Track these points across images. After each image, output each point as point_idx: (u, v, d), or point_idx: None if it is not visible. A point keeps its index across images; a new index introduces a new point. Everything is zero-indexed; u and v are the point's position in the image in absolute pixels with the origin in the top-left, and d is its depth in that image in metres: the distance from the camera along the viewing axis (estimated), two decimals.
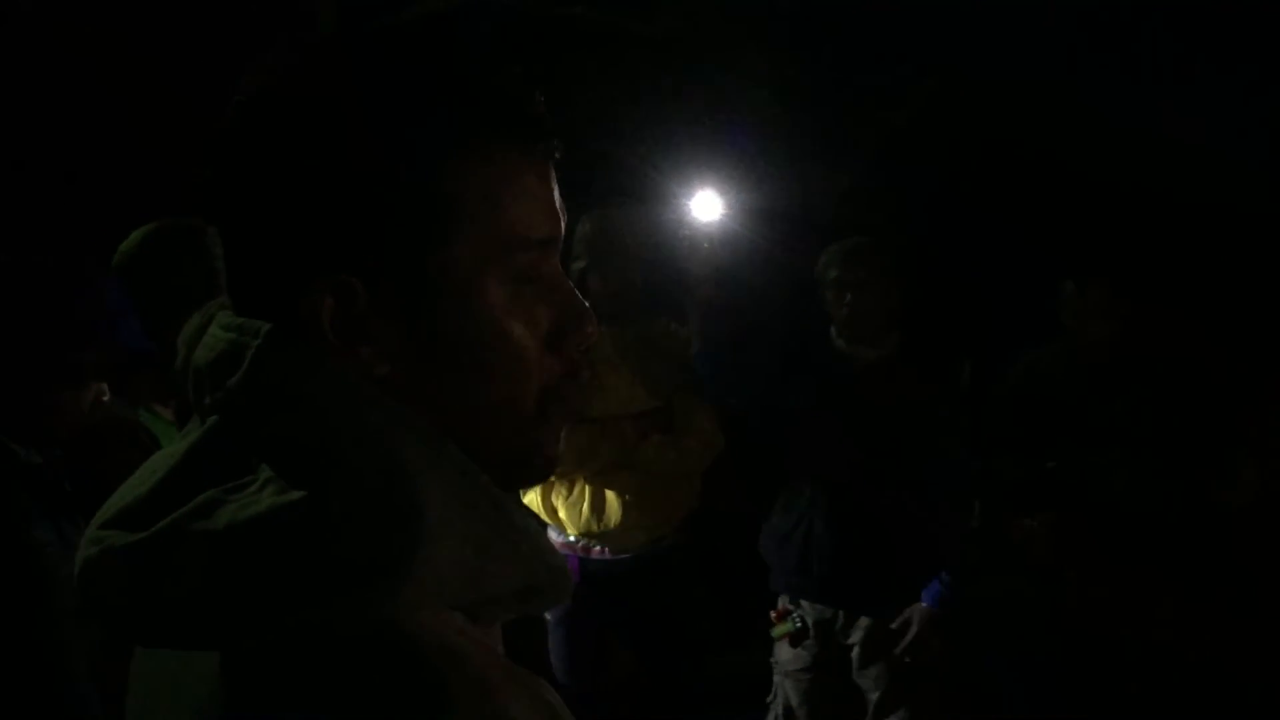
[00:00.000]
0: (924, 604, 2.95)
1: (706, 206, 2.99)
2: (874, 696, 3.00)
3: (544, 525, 3.19)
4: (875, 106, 4.20)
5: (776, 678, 3.14)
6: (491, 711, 0.63)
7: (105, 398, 1.91)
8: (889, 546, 2.92)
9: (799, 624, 3.04)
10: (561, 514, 3.14)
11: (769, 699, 3.16)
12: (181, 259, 2.23)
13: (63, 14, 3.62)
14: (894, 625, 2.95)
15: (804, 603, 3.06)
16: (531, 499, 3.16)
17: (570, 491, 3.13)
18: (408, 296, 0.71)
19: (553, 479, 3.13)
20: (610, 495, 3.10)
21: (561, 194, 0.78)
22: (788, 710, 3.10)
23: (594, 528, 3.10)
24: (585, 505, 3.10)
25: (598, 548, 3.15)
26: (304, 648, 0.63)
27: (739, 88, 4.45)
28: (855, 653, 3.00)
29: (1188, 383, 3.08)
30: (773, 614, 3.11)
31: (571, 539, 3.16)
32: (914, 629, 2.94)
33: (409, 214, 0.71)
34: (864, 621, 3.00)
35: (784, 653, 3.10)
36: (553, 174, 0.78)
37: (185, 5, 3.68)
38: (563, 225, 0.78)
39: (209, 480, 0.68)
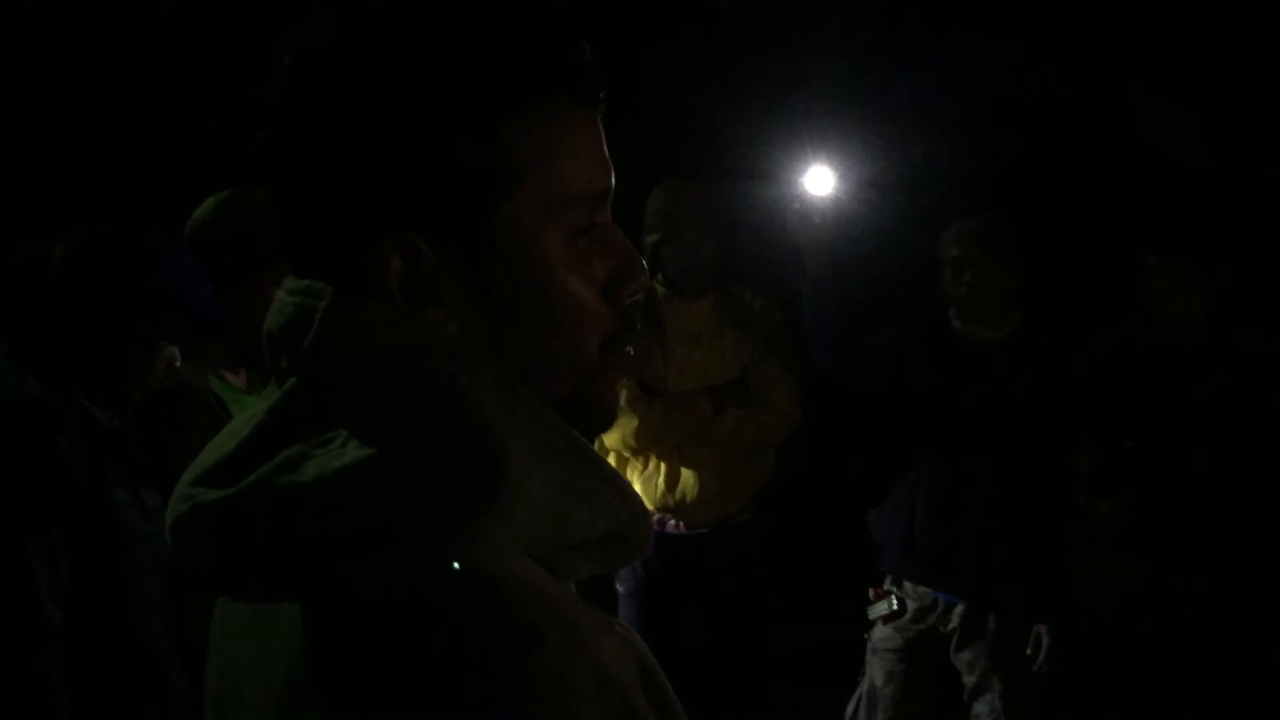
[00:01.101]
0: (1046, 627, 2.89)
1: (820, 181, 2.93)
2: (970, 680, 2.96)
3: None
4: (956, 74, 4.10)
5: (867, 655, 3.10)
6: (583, 652, 0.64)
7: (177, 363, 1.94)
8: (993, 532, 2.87)
9: (895, 606, 3.00)
10: (637, 488, 3.12)
11: (860, 676, 3.13)
12: (255, 227, 2.24)
13: None
14: (1029, 650, 2.89)
15: (906, 584, 3.02)
16: None
17: (646, 466, 3.11)
18: (472, 254, 0.72)
19: (627, 454, 3.11)
20: (686, 470, 3.08)
21: (609, 147, 0.78)
22: (872, 689, 3.06)
23: (669, 502, 3.09)
24: (660, 479, 3.09)
25: (672, 522, 3.13)
26: (391, 593, 0.64)
27: (816, 60, 4.38)
28: (955, 636, 2.95)
29: (1273, 363, 2.98)
30: (871, 592, 3.07)
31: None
32: (1045, 646, 2.88)
33: (470, 173, 0.71)
34: (961, 606, 2.94)
35: (878, 631, 3.06)
36: (600, 123, 0.77)
37: None
38: (612, 177, 0.78)
39: (291, 439, 0.70)
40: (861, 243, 3.07)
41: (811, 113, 3.91)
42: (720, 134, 4.06)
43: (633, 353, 0.81)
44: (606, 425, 0.80)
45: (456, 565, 0.64)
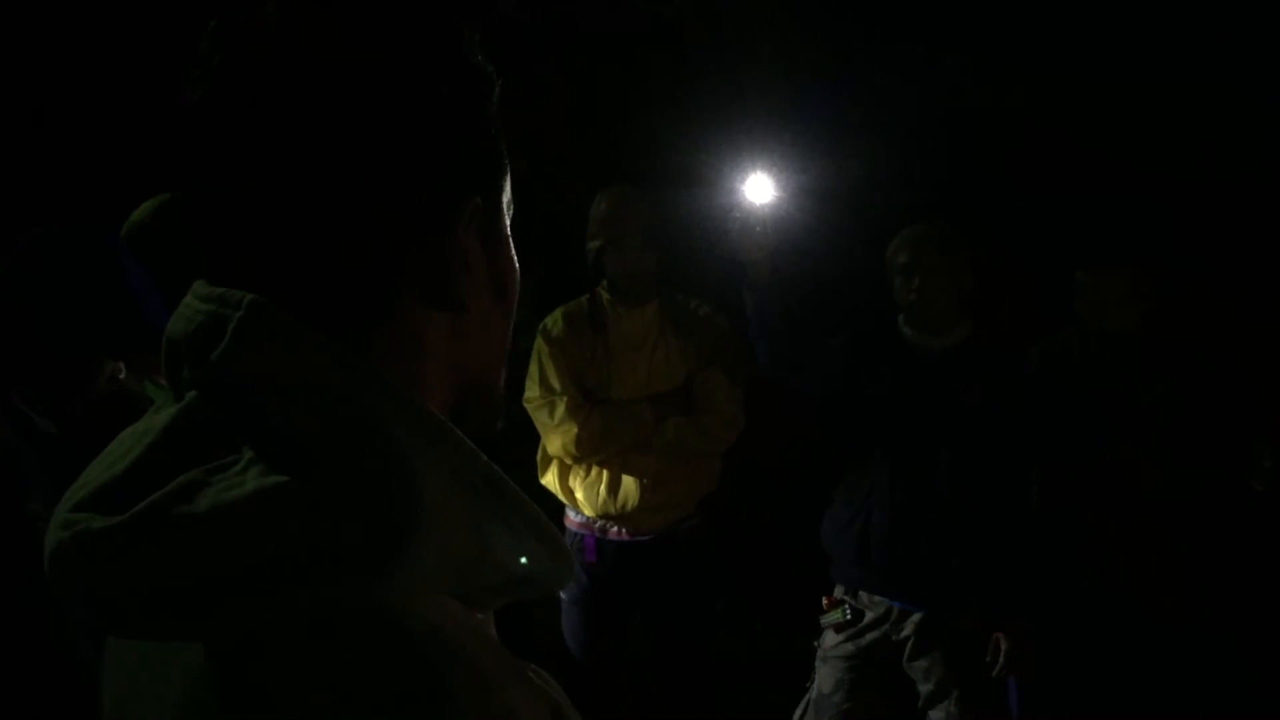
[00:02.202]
0: (1004, 635, 2.88)
1: (759, 189, 2.93)
2: (925, 688, 2.95)
3: (562, 505, 3.17)
4: (901, 84, 4.15)
5: (816, 662, 3.11)
6: (493, 707, 0.61)
7: (121, 374, 1.89)
8: (950, 541, 2.87)
9: (848, 615, 3.00)
10: (579, 495, 3.11)
11: (808, 683, 3.13)
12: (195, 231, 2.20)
13: None
14: (987, 658, 2.89)
15: (862, 594, 3.02)
16: (550, 479, 3.15)
17: (588, 473, 3.10)
18: (492, 230, 0.77)
19: (570, 462, 3.10)
20: (628, 477, 3.07)
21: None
22: (819, 696, 3.06)
23: (612, 510, 3.07)
24: (603, 487, 3.08)
25: (615, 529, 3.12)
26: (293, 636, 0.60)
27: (755, 68, 4.41)
28: (908, 645, 2.95)
29: (1212, 371, 3.03)
30: (824, 600, 3.06)
31: (589, 520, 3.14)
32: (1004, 652, 2.88)
33: (496, 153, 0.77)
34: (917, 615, 2.94)
35: (828, 639, 3.06)
36: None
37: None
38: None
39: (187, 460, 0.65)
40: (804, 251, 3.09)
41: (752, 122, 3.94)
42: (662, 142, 4.07)
43: None
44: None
45: (358, 608, 0.61)
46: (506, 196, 0.79)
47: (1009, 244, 3.57)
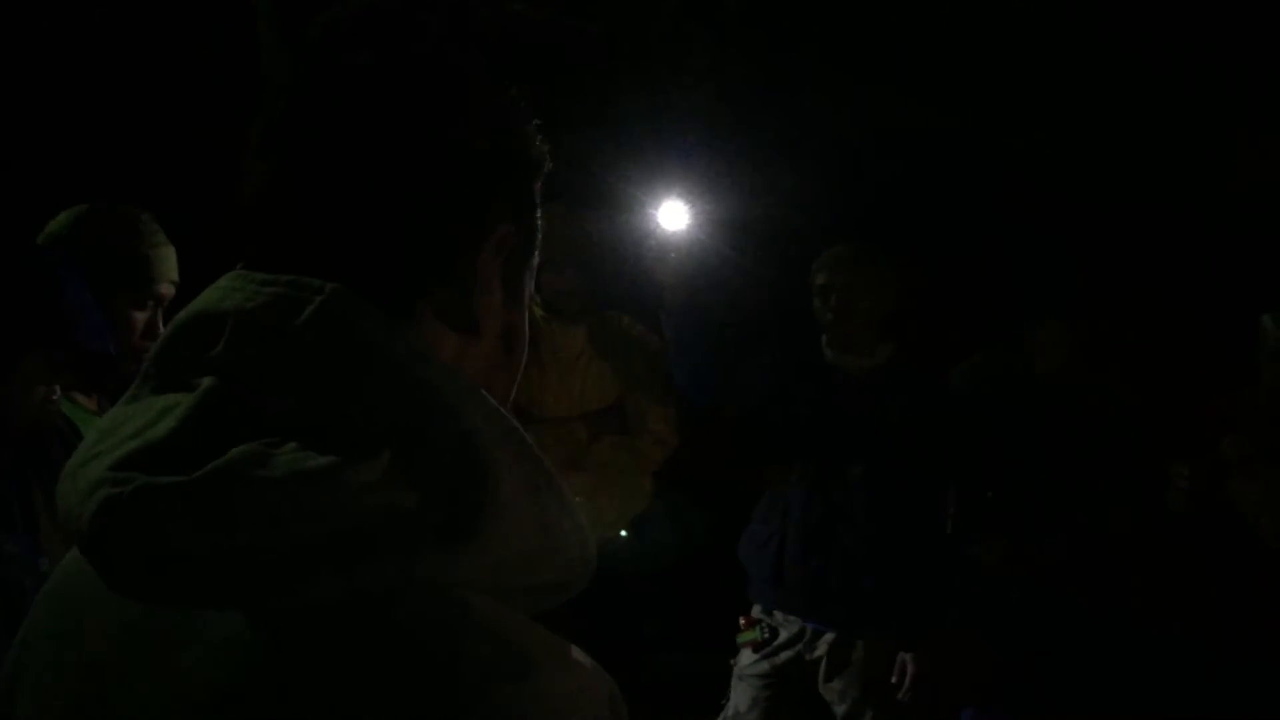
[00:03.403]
0: (910, 656, 2.90)
1: (673, 216, 2.95)
2: (840, 709, 2.96)
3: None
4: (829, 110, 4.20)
5: (733, 681, 3.11)
6: (571, 680, 0.64)
7: (55, 398, 1.79)
8: (863, 562, 2.88)
9: (765, 634, 3.01)
10: None
11: (724, 700, 3.13)
12: (118, 245, 2.14)
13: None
14: (894, 679, 2.90)
15: (777, 613, 3.03)
16: None
17: None
18: (515, 276, 0.78)
19: None
20: None
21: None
22: (736, 715, 3.07)
23: None
24: None
25: None
26: (354, 611, 0.59)
27: (683, 88, 4.43)
28: (822, 665, 2.97)
29: (1133, 408, 3.11)
30: (741, 620, 3.07)
31: None
32: (910, 674, 2.90)
33: (534, 193, 0.79)
34: (829, 635, 2.96)
35: (744, 658, 3.07)
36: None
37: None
38: None
39: (236, 433, 0.62)
40: (721, 276, 3.10)
41: (674, 144, 3.96)
42: (588, 163, 4.08)
43: None
44: None
45: (422, 589, 0.60)
46: (534, 259, 0.81)
47: (931, 267, 3.62)
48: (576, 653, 0.67)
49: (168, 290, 2.20)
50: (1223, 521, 3.00)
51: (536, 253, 0.81)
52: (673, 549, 3.39)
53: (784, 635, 3.00)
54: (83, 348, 1.74)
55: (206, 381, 0.66)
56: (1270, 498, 3.00)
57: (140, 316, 2.17)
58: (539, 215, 0.80)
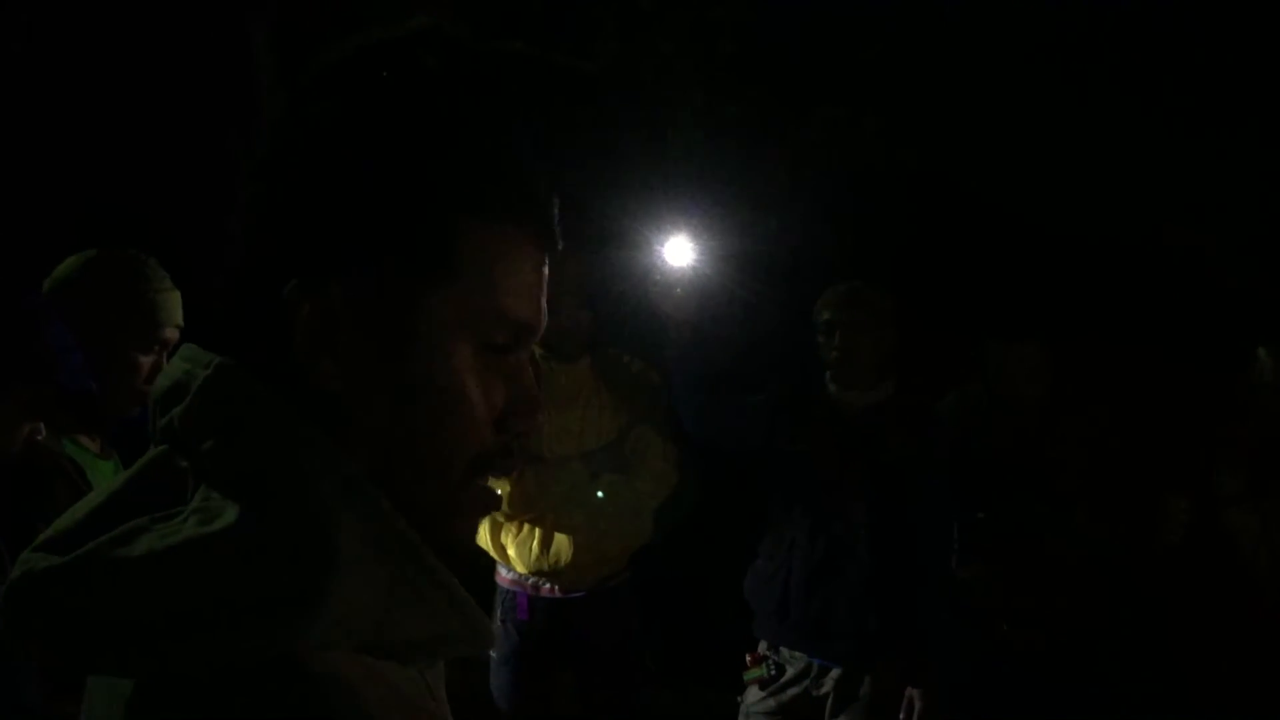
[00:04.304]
0: (918, 691, 2.90)
1: (679, 252, 2.98)
2: None
3: (493, 562, 3.15)
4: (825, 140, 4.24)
5: (739, 718, 3.10)
6: None
7: (40, 435, 1.84)
8: (868, 597, 2.89)
9: (772, 671, 3.01)
10: (511, 552, 3.09)
11: None
12: (120, 289, 2.17)
13: None
14: (901, 715, 2.91)
15: (783, 650, 3.02)
16: (481, 536, 3.12)
17: (520, 530, 3.08)
18: (386, 323, 0.73)
19: (501, 519, 3.08)
20: (560, 534, 3.05)
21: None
22: None
23: (544, 566, 3.06)
24: (535, 543, 3.06)
25: (548, 585, 3.11)
26: (205, 679, 0.64)
27: (677, 125, 4.48)
28: (829, 701, 2.96)
29: (1117, 435, 3.13)
30: (748, 657, 3.07)
31: (522, 576, 3.12)
32: (918, 710, 2.90)
33: (411, 245, 0.73)
34: (836, 670, 2.96)
35: (751, 695, 3.07)
36: (547, 267, 0.81)
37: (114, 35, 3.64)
38: (543, 323, 0.80)
39: (142, 509, 0.69)
40: (726, 312, 3.13)
41: (673, 183, 3.99)
42: (585, 201, 4.09)
43: (498, 493, 0.82)
44: (450, 552, 0.78)
45: (267, 656, 0.64)
46: (447, 310, 0.74)
47: (930, 304, 3.65)
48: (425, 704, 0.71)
49: (172, 335, 2.23)
50: (1215, 553, 3.01)
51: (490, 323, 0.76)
52: (674, 586, 3.39)
53: (790, 672, 3.00)
54: (63, 387, 1.82)
55: (139, 462, 0.75)
56: (1268, 530, 3.01)
57: (146, 360, 2.20)
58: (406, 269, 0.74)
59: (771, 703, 3.01)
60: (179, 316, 2.25)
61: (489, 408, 0.76)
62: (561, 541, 3.05)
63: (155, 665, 0.64)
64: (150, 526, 0.67)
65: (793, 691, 3.00)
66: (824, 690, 2.96)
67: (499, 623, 3.16)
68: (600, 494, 3.03)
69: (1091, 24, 3.77)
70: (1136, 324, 3.50)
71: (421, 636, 0.72)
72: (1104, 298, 3.63)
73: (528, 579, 3.12)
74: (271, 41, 3.76)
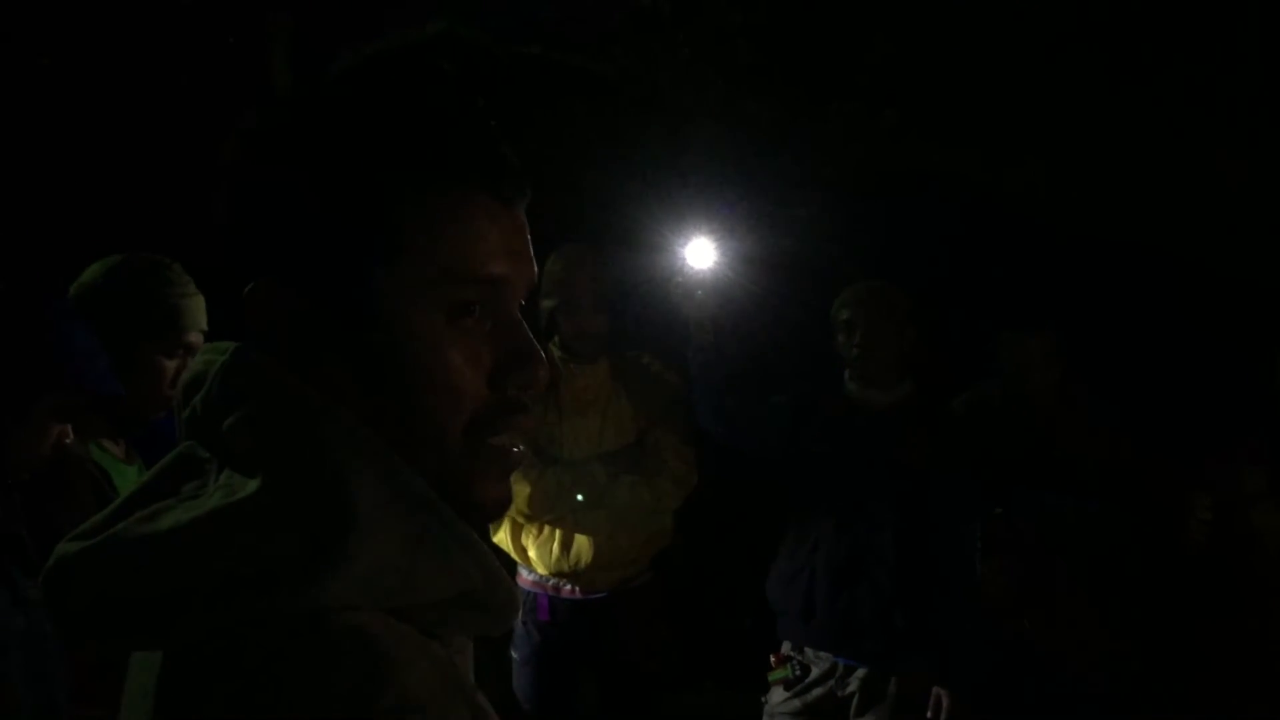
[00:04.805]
0: (946, 690, 2.90)
1: (700, 254, 2.99)
2: None
3: (514, 563, 3.16)
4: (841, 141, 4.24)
5: (764, 719, 3.10)
6: (445, 677, 0.68)
7: (69, 440, 1.86)
8: (893, 597, 2.88)
9: (797, 671, 3.01)
10: (532, 553, 3.10)
11: None
12: (145, 293, 2.19)
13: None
14: (929, 714, 2.90)
15: (808, 650, 3.03)
16: (502, 538, 3.13)
17: (540, 531, 3.09)
18: (342, 309, 0.74)
19: (521, 520, 3.09)
20: (580, 535, 3.06)
21: (530, 238, 0.81)
22: None
23: (565, 567, 3.07)
24: (555, 545, 3.07)
25: (569, 587, 3.11)
26: (235, 641, 0.65)
27: (699, 127, 4.48)
28: (854, 701, 2.95)
29: (1133, 433, 3.12)
30: (772, 658, 3.08)
31: (543, 578, 3.13)
32: (946, 708, 2.89)
33: (348, 226, 0.73)
34: (861, 670, 2.95)
35: (775, 696, 3.06)
36: (514, 216, 0.79)
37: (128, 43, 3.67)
38: (524, 268, 0.79)
39: (169, 494, 0.74)
40: (747, 312, 3.13)
41: (693, 183, 4.00)
42: (606, 203, 4.11)
43: (518, 448, 0.79)
44: (479, 518, 0.78)
45: (296, 614, 0.65)
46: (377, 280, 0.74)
47: (949, 302, 3.65)
48: (442, 677, 0.69)
49: (197, 339, 2.25)
50: (1239, 552, 2.99)
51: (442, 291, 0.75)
52: (696, 586, 3.39)
53: (815, 672, 3.00)
54: (92, 391, 1.84)
55: (171, 453, 0.78)
56: None
57: (170, 365, 2.22)
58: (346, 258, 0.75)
59: (796, 703, 3.01)
60: (203, 321, 2.27)
61: (478, 371, 0.76)
62: (582, 543, 3.06)
63: (186, 633, 0.66)
64: (176, 505, 0.70)
65: (818, 692, 2.99)
66: (849, 690, 2.96)
67: (520, 624, 3.17)
68: (620, 496, 3.04)
69: (1108, 15, 3.74)
70: (1153, 317, 3.48)
71: (447, 593, 0.72)
72: (1119, 290, 3.62)
73: (548, 580, 3.13)
74: (288, 53, 3.79)
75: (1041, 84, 3.83)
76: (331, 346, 0.74)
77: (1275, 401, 3.10)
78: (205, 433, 0.75)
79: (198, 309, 2.27)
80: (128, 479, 2.19)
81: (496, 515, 0.79)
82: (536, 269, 0.82)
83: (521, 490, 3.00)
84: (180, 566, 0.66)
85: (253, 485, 0.68)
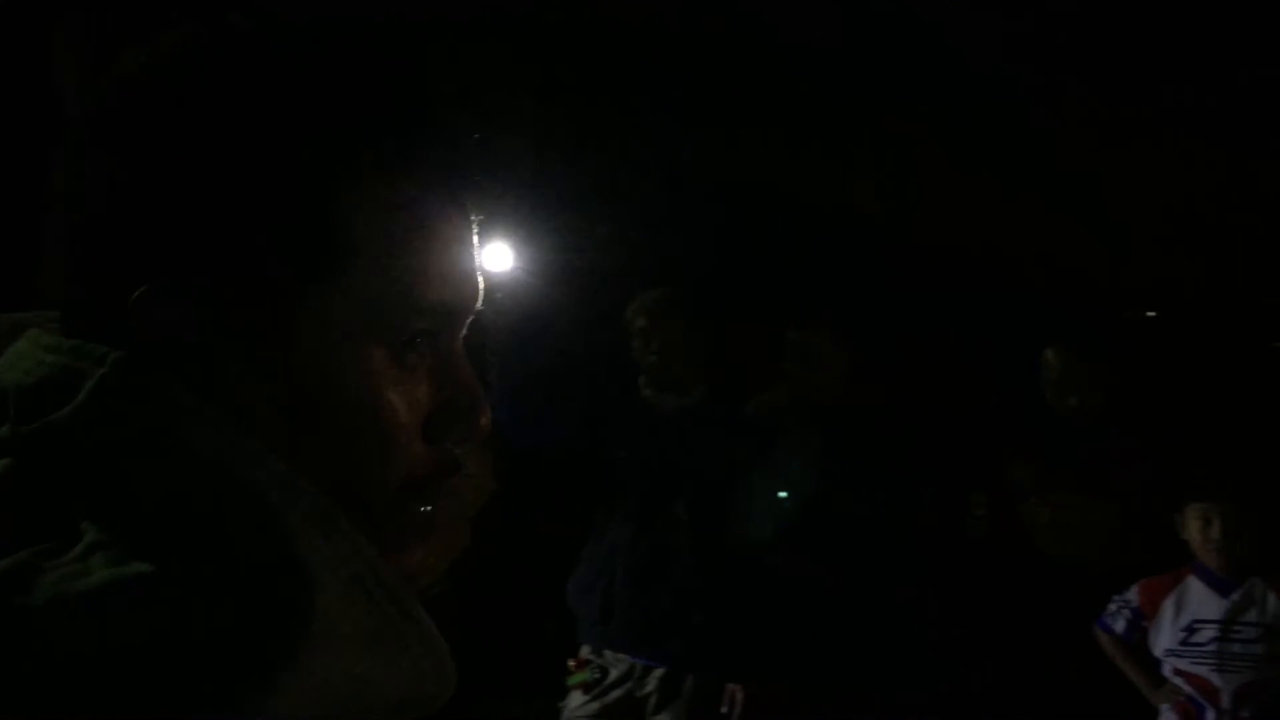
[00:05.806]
0: (738, 685, 2.95)
1: (498, 258, 2.98)
2: None
3: None
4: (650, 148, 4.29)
5: None
6: None
7: None
8: (690, 596, 2.93)
9: (596, 675, 3.02)
10: None
11: None
12: None
13: None
14: (723, 709, 2.95)
15: (607, 653, 3.04)
16: None
17: None
18: (262, 331, 0.57)
19: None
20: None
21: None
22: None
23: None
24: None
25: None
26: None
27: (504, 137, 4.47)
28: (651, 700, 2.99)
29: (921, 427, 3.25)
30: (571, 663, 3.08)
31: None
32: (739, 703, 2.95)
33: (277, 231, 0.56)
34: (659, 670, 2.99)
35: (574, 700, 3.08)
36: (470, 225, 0.63)
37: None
38: (476, 295, 0.63)
39: (8, 535, 0.52)
40: (543, 318, 3.14)
41: (496, 189, 3.98)
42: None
43: (435, 519, 0.62)
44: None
45: None
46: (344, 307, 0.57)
47: (741, 307, 3.73)
48: None
49: None
50: (1016, 544, 3.15)
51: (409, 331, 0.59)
52: (493, 594, 3.36)
53: (614, 674, 3.02)
54: None
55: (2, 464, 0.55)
56: (1057, 523, 3.17)
57: None
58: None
59: (595, 706, 3.03)
60: None
61: (414, 416, 0.60)
62: None
63: None
64: (41, 565, 0.49)
65: (616, 694, 3.02)
66: (647, 690, 2.99)
67: None
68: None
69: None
70: (936, 316, 3.63)
71: (396, 697, 0.54)
72: (905, 290, 3.77)
73: None
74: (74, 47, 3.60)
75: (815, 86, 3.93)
76: (244, 377, 0.56)
77: (1043, 402, 3.27)
78: (76, 463, 0.53)
79: None
80: None
81: (419, 584, 0.61)
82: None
83: None
84: (73, 663, 0.47)
85: (165, 552, 0.49)
